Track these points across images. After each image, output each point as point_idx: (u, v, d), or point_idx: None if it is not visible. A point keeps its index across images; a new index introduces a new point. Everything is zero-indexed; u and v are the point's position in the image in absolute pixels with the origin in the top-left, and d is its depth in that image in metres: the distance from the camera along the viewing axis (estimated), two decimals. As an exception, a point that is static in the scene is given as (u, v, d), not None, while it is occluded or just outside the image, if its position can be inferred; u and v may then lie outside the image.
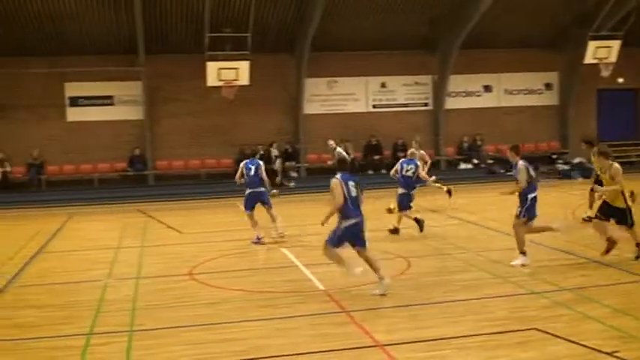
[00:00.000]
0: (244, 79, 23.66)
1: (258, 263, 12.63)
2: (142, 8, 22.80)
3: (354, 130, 27.50)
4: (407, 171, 15.02)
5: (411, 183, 14.98)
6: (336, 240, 9.66)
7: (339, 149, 20.69)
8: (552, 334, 7.47)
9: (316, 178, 25.90)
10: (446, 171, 27.46)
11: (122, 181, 25.74)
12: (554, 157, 28.36)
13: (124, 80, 25.49)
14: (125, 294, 10.44)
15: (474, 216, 17.02)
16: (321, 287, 10.28)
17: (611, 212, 11.12)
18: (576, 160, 27.45)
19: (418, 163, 15.61)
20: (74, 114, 25.68)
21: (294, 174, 26.68)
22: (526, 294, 9.37)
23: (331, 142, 21.13)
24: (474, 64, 27.97)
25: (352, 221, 9.61)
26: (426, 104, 28.65)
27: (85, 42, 24.39)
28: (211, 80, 23.58)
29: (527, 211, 11.05)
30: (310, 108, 27.31)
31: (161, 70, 25.35)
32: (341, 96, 27.93)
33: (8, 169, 24.20)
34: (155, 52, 25.04)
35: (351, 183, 9.71)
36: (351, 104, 28.05)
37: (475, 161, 28.38)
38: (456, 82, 28.16)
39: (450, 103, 28.43)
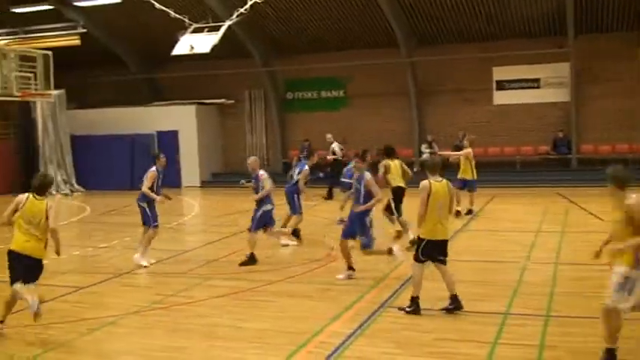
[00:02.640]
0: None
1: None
2: (573, -13, 22.19)
3: None
4: None
5: None
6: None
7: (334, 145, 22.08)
8: None
9: None
10: None
11: (544, 164, 25.52)
12: None
13: (551, 62, 25.12)
14: (543, 278, 10.43)
15: None
16: None
17: None
18: None
19: None
20: (501, 97, 26.20)
21: None
22: None
23: (329, 136, 22.33)
24: None
25: None
26: None
27: (514, 25, 24.63)
28: (648, 58, 21.97)
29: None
30: None
31: (590, 49, 24.35)
32: None
33: (436, 149, 25.69)
34: (584, 31, 24.16)
35: None
36: None
37: None
38: None
39: None
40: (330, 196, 21.73)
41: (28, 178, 27.08)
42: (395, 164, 14.03)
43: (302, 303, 9.55)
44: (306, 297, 9.87)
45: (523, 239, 13.94)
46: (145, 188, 12.45)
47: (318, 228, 16.06)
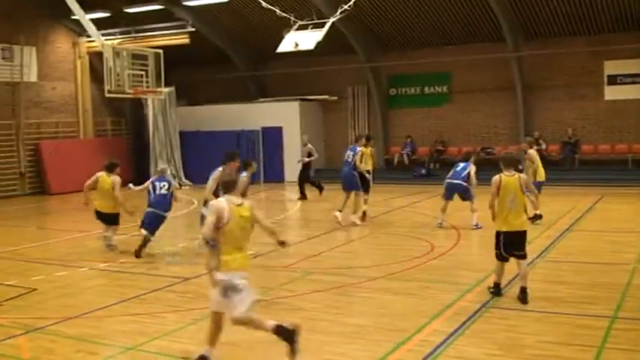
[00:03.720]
0: None
1: None
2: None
3: None
4: None
5: None
6: None
7: (309, 145, 22.43)
8: None
9: None
10: None
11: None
12: None
13: (667, 56, 23.94)
14: (654, 281, 10.01)
15: None
16: None
17: None
18: None
19: None
20: (612, 92, 25.09)
21: None
22: None
23: (305, 138, 22.88)
24: None
25: None
26: None
27: (627, 18, 23.60)
28: None
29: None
30: None
31: None
32: None
33: (543, 146, 25.01)
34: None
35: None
36: None
37: None
38: None
39: None
40: (303, 196, 21.81)
41: (140, 172, 28.45)
42: (367, 151, 16.75)
43: (402, 300, 9.53)
44: (407, 294, 9.84)
45: (633, 240, 13.42)
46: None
47: (419, 225, 15.98)
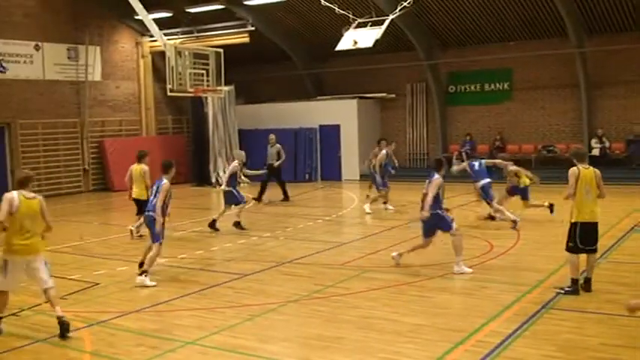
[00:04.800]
0: None
1: None
2: None
3: None
4: None
5: None
6: None
7: (277, 146, 21.68)
8: None
9: None
10: None
11: None
12: None
13: None
14: None
15: None
16: None
17: None
18: None
19: None
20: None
21: None
22: None
23: (272, 137, 21.91)
24: None
25: None
26: None
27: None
28: None
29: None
30: None
31: None
32: None
33: (607, 144, 24.42)
34: None
35: None
36: None
37: None
38: None
39: None
40: (286, 197, 21.49)
41: (200, 169, 28.75)
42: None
43: (459, 300, 9.43)
44: (464, 294, 9.73)
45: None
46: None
47: (478, 224, 15.77)
